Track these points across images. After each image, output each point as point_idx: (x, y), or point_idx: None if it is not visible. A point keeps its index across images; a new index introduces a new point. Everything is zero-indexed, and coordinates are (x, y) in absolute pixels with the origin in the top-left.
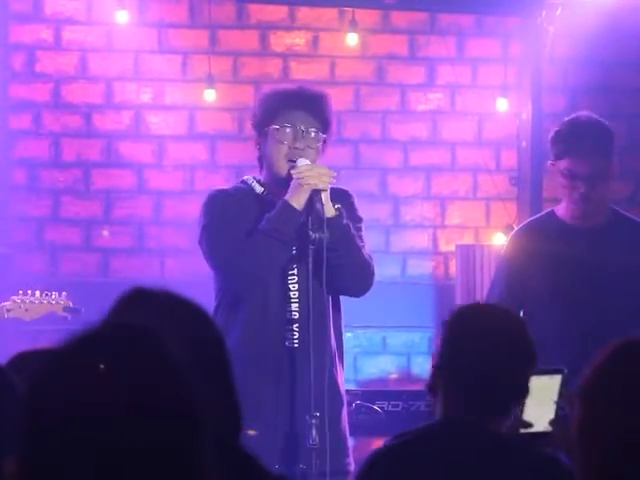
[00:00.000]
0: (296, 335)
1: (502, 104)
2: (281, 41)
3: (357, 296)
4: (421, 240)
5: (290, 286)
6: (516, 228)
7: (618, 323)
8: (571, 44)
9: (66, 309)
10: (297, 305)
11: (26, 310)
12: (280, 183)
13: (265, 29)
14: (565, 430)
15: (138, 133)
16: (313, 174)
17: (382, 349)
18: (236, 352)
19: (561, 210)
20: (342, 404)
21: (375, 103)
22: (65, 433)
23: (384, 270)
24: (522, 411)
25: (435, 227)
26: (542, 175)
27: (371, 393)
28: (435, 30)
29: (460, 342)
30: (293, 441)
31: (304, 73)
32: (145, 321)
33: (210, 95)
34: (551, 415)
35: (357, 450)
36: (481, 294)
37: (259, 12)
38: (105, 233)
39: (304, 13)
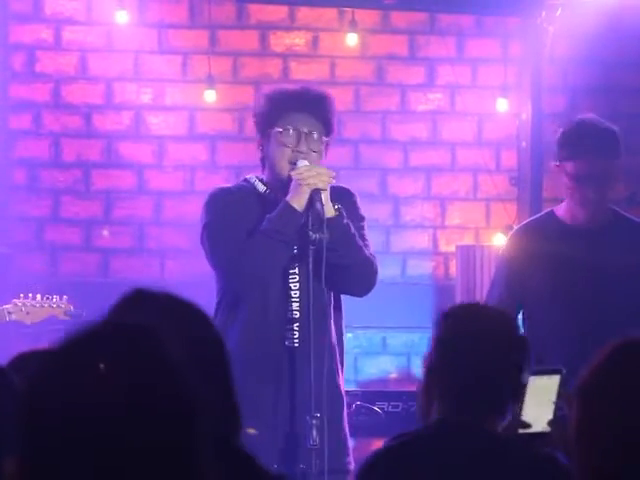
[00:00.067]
0: (296, 334)
1: (502, 104)
2: (281, 41)
3: (360, 296)
4: (421, 240)
5: (291, 285)
6: (515, 228)
7: (618, 323)
8: (571, 44)
9: (67, 313)
10: (298, 304)
11: (27, 313)
12: (282, 184)
13: (265, 29)
14: (563, 430)
15: (138, 133)
16: (312, 174)
17: (382, 349)
18: (236, 351)
19: (561, 210)
20: (342, 403)
21: (375, 103)
22: (64, 433)
23: (384, 270)
24: (521, 411)
25: (435, 227)
26: (542, 175)
27: (371, 394)
28: (435, 30)
29: (457, 342)
30: (293, 441)
31: (304, 73)
32: (145, 322)
33: (210, 95)
34: (550, 415)
35: (357, 451)
36: (481, 295)
37: (259, 12)
38: (105, 233)
39: (304, 13)
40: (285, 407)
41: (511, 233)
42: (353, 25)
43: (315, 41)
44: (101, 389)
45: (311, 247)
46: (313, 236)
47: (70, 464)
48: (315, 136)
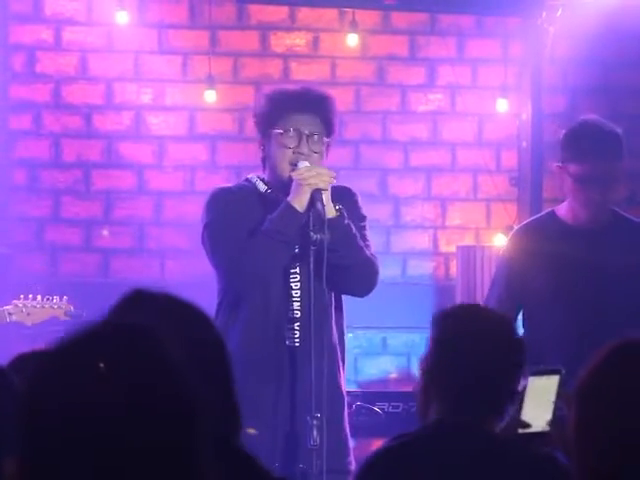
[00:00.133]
0: (297, 334)
1: (502, 105)
2: (281, 42)
3: (361, 296)
4: (421, 241)
5: (292, 285)
6: (516, 228)
7: (618, 324)
8: (571, 44)
9: (67, 313)
10: (299, 304)
11: (28, 314)
12: (283, 185)
13: (265, 30)
14: (563, 430)
15: (138, 134)
16: (313, 174)
17: (382, 350)
18: (237, 351)
19: (562, 210)
20: (343, 404)
21: (375, 104)
22: (64, 433)
23: (384, 271)
24: (520, 411)
25: (435, 228)
26: (542, 176)
27: (371, 394)
28: (435, 31)
29: (457, 342)
30: (293, 441)
31: (304, 74)
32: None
33: (210, 96)
34: (549, 415)
35: (357, 451)
36: (481, 295)
37: (259, 13)
38: (105, 233)
39: (304, 14)
40: (285, 407)
41: (512, 233)
42: (353, 25)
43: (315, 41)
44: (101, 389)
45: (312, 247)
46: (314, 236)
47: (70, 464)
48: (316, 137)
